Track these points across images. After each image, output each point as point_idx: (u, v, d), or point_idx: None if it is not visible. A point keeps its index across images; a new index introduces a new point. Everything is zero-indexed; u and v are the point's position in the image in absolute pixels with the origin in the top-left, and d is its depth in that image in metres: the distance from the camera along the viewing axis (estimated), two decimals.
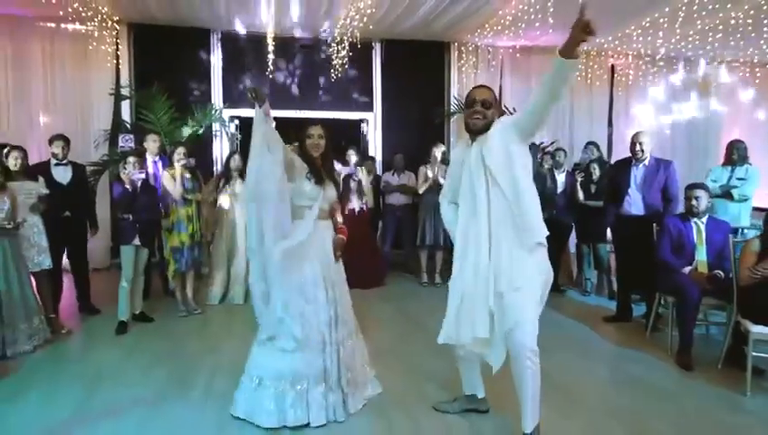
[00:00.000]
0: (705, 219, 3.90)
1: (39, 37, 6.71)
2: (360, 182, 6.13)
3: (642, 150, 4.38)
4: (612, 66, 8.44)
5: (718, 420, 2.89)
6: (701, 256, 3.84)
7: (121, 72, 6.96)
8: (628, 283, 4.65)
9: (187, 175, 4.73)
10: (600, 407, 3.05)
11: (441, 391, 3.15)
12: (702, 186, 3.97)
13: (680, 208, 4.25)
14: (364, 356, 3.20)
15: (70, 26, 6.62)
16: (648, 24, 6.65)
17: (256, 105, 2.64)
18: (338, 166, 6.36)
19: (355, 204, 6.07)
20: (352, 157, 6.34)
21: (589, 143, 6.06)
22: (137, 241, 4.18)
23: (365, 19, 6.17)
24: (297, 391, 2.77)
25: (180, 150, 4.72)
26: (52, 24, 6.64)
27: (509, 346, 2.44)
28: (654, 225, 4.21)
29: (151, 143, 5.25)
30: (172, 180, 4.61)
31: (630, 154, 4.49)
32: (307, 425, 2.74)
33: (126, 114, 7.02)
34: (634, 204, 4.43)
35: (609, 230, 5.08)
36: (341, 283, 3.07)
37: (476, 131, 2.52)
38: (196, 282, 5.00)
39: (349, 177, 6.11)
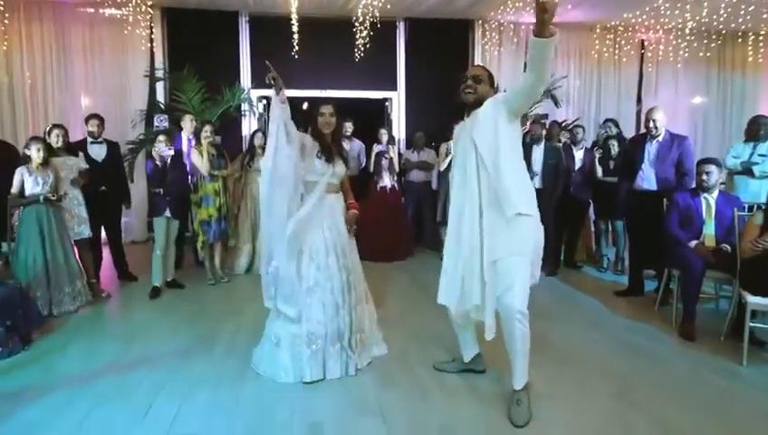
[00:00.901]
0: (715, 194, 3.91)
1: (79, 22, 7.10)
2: (391, 160, 6.34)
3: (656, 127, 4.39)
4: (642, 41, 8.27)
5: (709, 385, 2.98)
6: (709, 229, 3.87)
7: (156, 55, 7.32)
8: (639, 257, 4.70)
9: (214, 152, 5.01)
10: (594, 370, 3.17)
11: (443, 352, 3.35)
12: (713, 161, 3.97)
13: (692, 184, 4.27)
14: (373, 319, 3.43)
15: (107, 11, 6.97)
16: None
17: (274, 92, 2.83)
18: (350, 144, 6.62)
19: (387, 181, 6.30)
20: (384, 136, 6.54)
21: (607, 120, 6.05)
22: (167, 213, 4.51)
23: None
24: (312, 351, 3.01)
25: (207, 128, 5.01)
26: (91, 10, 7.01)
27: (499, 309, 2.59)
28: (665, 200, 4.24)
29: (188, 123, 5.60)
30: (200, 157, 4.90)
31: (645, 130, 4.51)
32: (322, 380, 2.99)
33: (161, 95, 7.37)
34: (646, 179, 4.46)
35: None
36: (353, 251, 3.28)
37: (469, 106, 2.66)
38: (224, 253, 5.32)
39: (381, 155, 6.33)
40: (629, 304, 4.59)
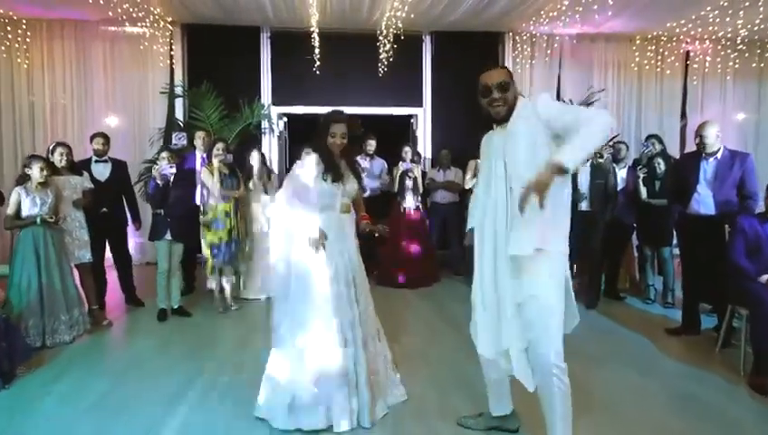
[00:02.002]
0: None
1: (100, 40, 7.02)
2: (415, 180, 5.95)
3: (705, 143, 3.89)
4: (687, 53, 7.71)
5: None
6: None
7: (175, 72, 7.16)
8: (694, 291, 4.14)
9: (226, 171, 4.72)
10: (642, 426, 2.68)
11: (467, 401, 2.89)
12: None
13: (761, 207, 3.72)
14: (387, 359, 3.02)
15: (128, 29, 6.87)
16: (726, 3, 5.97)
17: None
18: (372, 162, 6.26)
19: (410, 203, 5.90)
20: (408, 153, 6.17)
21: (650, 136, 5.51)
22: (168, 236, 4.21)
23: (407, 9, 5.95)
24: (314, 395, 2.63)
25: (219, 146, 4.72)
26: (113, 28, 6.91)
27: (532, 363, 2.15)
28: (726, 226, 3.70)
29: (198, 140, 5.38)
30: (210, 176, 4.61)
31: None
32: (329, 428, 2.60)
33: (179, 113, 7.20)
34: (703, 202, 3.94)
35: (674, 231, 4.57)
36: (364, 282, 2.91)
37: (500, 120, 2.25)
38: (235, 278, 4.99)
39: (405, 173, 5.95)
40: (684, 344, 4.03)
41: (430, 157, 7.52)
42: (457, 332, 4.08)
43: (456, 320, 4.54)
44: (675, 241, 4.97)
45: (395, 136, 7.41)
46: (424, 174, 6.55)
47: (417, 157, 6.63)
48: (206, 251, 4.71)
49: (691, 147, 7.33)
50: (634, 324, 4.49)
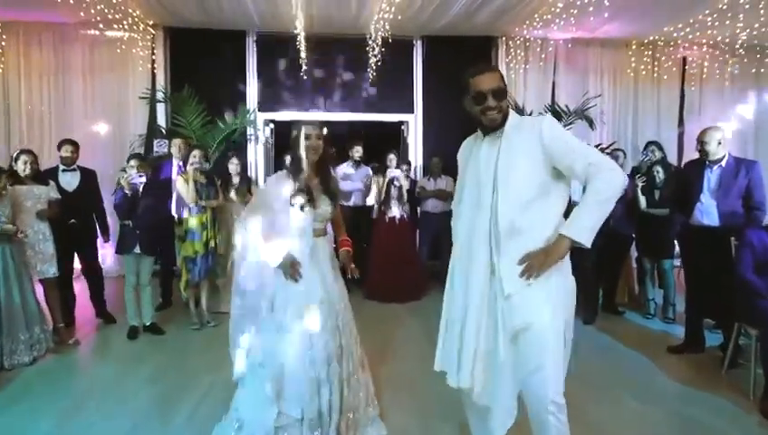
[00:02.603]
0: None
1: (79, 44, 6.75)
2: (401, 188, 5.69)
3: (707, 150, 3.66)
4: (684, 58, 7.52)
5: None
6: None
7: (157, 77, 6.90)
8: (697, 306, 3.89)
9: (203, 180, 4.46)
10: None
11: None
12: None
13: None
14: (369, 392, 2.74)
15: (109, 32, 6.62)
16: (725, 7, 5.78)
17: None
18: (357, 170, 5.98)
19: (395, 211, 5.64)
20: (393, 161, 5.91)
21: (649, 143, 5.29)
22: (137, 249, 3.93)
23: (396, 12, 5.73)
24: None
25: (196, 153, 4.47)
26: (93, 31, 6.63)
27: (526, 399, 1.90)
28: (733, 239, 3.47)
29: (174, 147, 5.14)
30: (185, 185, 4.34)
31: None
32: None
33: (161, 119, 6.94)
34: (706, 212, 3.71)
35: (676, 243, 4.34)
36: (345, 309, 2.61)
37: (494, 128, 2.01)
38: (211, 292, 4.71)
39: (391, 182, 5.70)
40: (687, 363, 3.78)
41: (421, 164, 7.29)
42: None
43: None
44: (676, 253, 4.77)
45: (385, 143, 7.18)
46: (414, 182, 6.31)
47: (407, 166, 6.39)
48: (180, 264, 4.44)
49: (689, 155, 7.22)
50: (633, 341, 4.24)
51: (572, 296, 1.98)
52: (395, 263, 5.50)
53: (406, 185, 5.93)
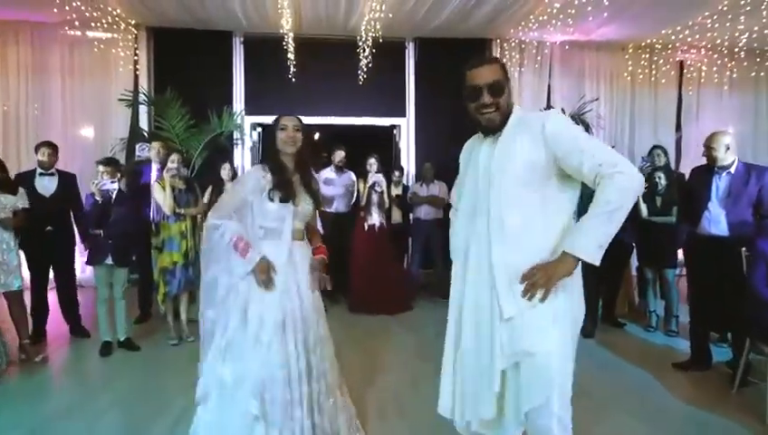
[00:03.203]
0: None
1: (59, 44, 6.50)
2: (382, 194, 5.42)
3: (715, 156, 3.47)
4: (681, 63, 7.37)
5: None
6: None
7: (140, 79, 6.66)
8: (704, 320, 3.69)
9: (181, 186, 4.21)
10: None
11: None
12: None
13: None
14: (351, 415, 2.51)
15: (90, 33, 6.36)
16: (725, 9, 5.62)
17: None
18: (341, 175, 5.73)
19: (375, 219, 5.36)
20: (374, 166, 5.62)
21: (655, 147, 5.11)
22: (109, 260, 3.68)
23: (387, 11, 5.53)
24: None
25: (174, 158, 4.23)
26: (73, 31, 6.38)
27: (529, 430, 1.67)
28: (743, 250, 3.27)
29: (152, 151, 4.91)
30: (162, 192, 4.10)
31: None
32: None
33: (144, 122, 6.69)
34: (714, 222, 3.51)
35: (681, 253, 4.14)
36: (319, 323, 2.38)
37: (493, 129, 1.79)
38: (191, 305, 4.45)
39: (372, 187, 5.43)
40: (693, 381, 3.57)
41: (414, 170, 7.07)
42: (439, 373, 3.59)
43: (438, 355, 4.04)
44: (679, 261, 4.59)
45: (376, 148, 6.95)
46: (406, 188, 6.08)
47: (399, 172, 6.13)
48: (157, 277, 4.18)
49: (687, 161, 7.05)
50: (635, 357, 4.03)
51: (580, 321, 1.76)
52: (378, 272, 5.23)
53: (398, 190, 5.69)
